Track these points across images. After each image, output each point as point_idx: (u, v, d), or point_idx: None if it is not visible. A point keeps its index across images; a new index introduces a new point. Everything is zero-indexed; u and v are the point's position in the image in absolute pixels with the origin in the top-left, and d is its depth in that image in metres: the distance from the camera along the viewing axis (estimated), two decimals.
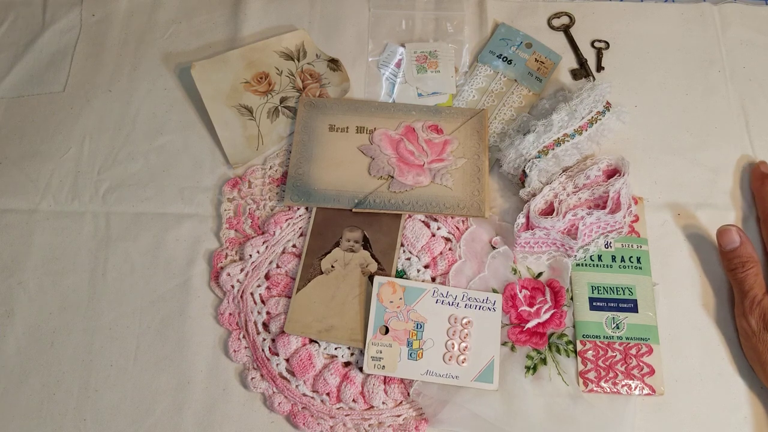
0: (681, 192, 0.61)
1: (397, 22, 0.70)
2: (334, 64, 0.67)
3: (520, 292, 0.56)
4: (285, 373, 0.54)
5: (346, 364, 0.55)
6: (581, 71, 0.67)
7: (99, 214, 0.61)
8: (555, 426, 0.52)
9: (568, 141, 0.58)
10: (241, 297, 0.57)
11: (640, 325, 0.54)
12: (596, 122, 0.59)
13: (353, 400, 0.53)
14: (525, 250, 0.56)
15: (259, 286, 0.57)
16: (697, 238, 0.59)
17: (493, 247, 0.58)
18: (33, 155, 0.64)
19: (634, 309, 0.54)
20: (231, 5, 0.71)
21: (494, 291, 0.56)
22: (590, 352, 0.53)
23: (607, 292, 0.55)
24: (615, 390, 0.52)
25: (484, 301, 0.55)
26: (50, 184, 0.62)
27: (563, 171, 0.59)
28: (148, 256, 0.59)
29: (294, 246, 0.59)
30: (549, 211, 0.57)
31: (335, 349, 0.55)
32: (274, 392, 0.54)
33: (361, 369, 0.54)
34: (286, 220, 0.59)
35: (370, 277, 0.56)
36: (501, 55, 0.67)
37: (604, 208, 0.56)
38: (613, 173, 0.58)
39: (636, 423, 0.52)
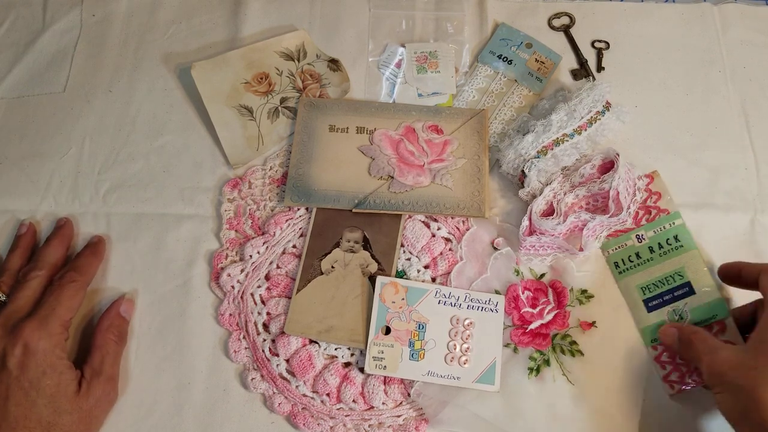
0: (681, 192, 0.61)
1: (398, 22, 0.70)
2: (334, 64, 0.67)
3: (523, 293, 0.56)
4: (285, 374, 0.54)
5: (346, 364, 0.55)
6: (581, 71, 0.67)
7: (99, 214, 0.61)
8: (557, 427, 0.52)
9: (567, 141, 0.58)
10: (242, 297, 0.57)
11: (702, 306, 0.51)
12: (596, 122, 0.59)
13: (353, 401, 0.53)
14: (530, 253, 0.56)
15: (259, 286, 0.57)
16: (698, 238, 0.59)
17: (495, 248, 0.58)
18: (33, 155, 0.64)
19: (691, 291, 0.52)
20: (231, 5, 0.71)
21: (497, 292, 0.56)
22: (665, 354, 0.51)
23: (657, 287, 0.53)
24: (700, 381, 0.50)
25: (487, 302, 0.55)
26: (50, 184, 0.62)
27: (562, 171, 0.59)
28: (149, 256, 0.59)
29: (294, 246, 0.59)
30: (550, 211, 0.57)
31: (335, 349, 0.55)
32: (274, 393, 0.54)
33: (361, 369, 0.54)
34: (286, 220, 0.59)
35: (371, 278, 0.56)
36: (501, 55, 0.67)
37: (601, 203, 0.56)
38: (606, 168, 0.58)
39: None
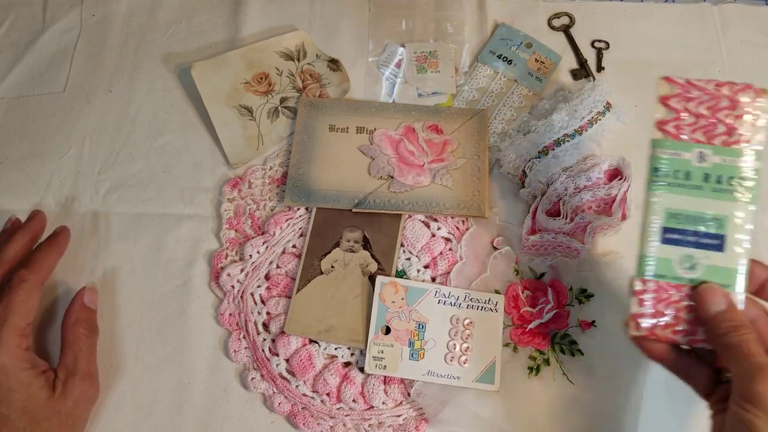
0: None
1: (397, 22, 0.70)
2: (334, 64, 0.67)
3: (522, 292, 0.56)
4: (285, 374, 0.54)
5: (346, 364, 0.55)
6: (581, 71, 0.67)
7: (99, 214, 0.61)
8: (557, 427, 0.52)
9: (568, 141, 0.58)
10: (241, 297, 0.57)
11: (722, 268, 0.42)
12: (596, 122, 0.59)
13: (353, 401, 0.53)
14: (532, 252, 0.56)
15: (259, 286, 0.57)
16: None
17: (495, 248, 0.58)
18: (33, 155, 0.64)
19: (719, 247, 0.42)
20: (231, 5, 0.71)
21: (496, 292, 0.56)
22: (650, 294, 0.42)
23: (688, 221, 0.42)
24: (673, 339, 0.42)
25: (486, 301, 0.55)
26: (50, 184, 0.62)
27: (563, 171, 0.59)
28: (149, 256, 0.59)
29: (294, 246, 0.59)
30: (553, 211, 0.57)
31: (335, 349, 0.55)
32: (274, 392, 0.54)
33: (361, 369, 0.54)
34: (286, 220, 0.59)
35: (370, 278, 0.56)
36: (501, 55, 0.67)
37: (604, 208, 0.56)
38: (614, 174, 0.58)
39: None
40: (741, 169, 0.42)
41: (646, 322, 0.42)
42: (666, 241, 0.43)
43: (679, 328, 0.42)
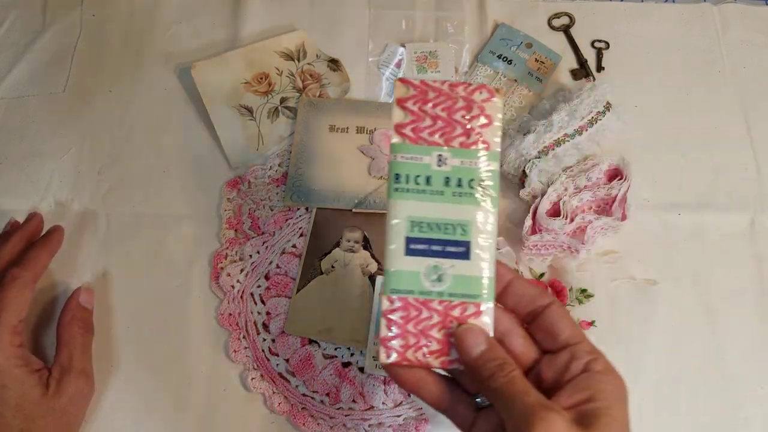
0: (681, 192, 0.61)
1: (397, 22, 0.70)
2: (334, 64, 0.67)
3: None
4: (285, 374, 0.54)
5: (346, 364, 0.55)
6: (581, 71, 0.67)
7: (99, 214, 0.61)
8: None
9: (568, 141, 0.59)
10: (241, 297, 0.57)
11: (469, 277, 0.38)
12: (596, 122, 0.59)
13: (353, 401, 0.53)
14: (532, 252, 0.56)
15: (259, 286, 0.57)
16: (698, 238, 0.59)
17: (495, 248, 0.58)
18: (33, 155, 0.64)
19: (465, 255, 0.38)
20: (231, 5, 0.71)
21: None
22: (399, 313, 0.37)
23: (432, 230, 0.39)
24: (423, 362, 0.37)
25: None
26: (50, 184, 0.62)
27: (564, 171, 0.59)
28: (149, 256, 0.59)
29: (294, 246, 0.59)
30: (553, 212, 0.57)
31: (335, 349, 0.55)
32: (274, 392, 0.54)
33: (361, 369, 0.54)
34: (286, 220, 0.59)
35: (370, 278, 0.56)
36: (501, 55, 0.67)
37: (603, 208, 0.56)
38: (614, 174, 0.58)
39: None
40: (479, 171, 0.39)
41: (396, 346, 0.37)
42: (411, 252, 0.38)
43: (432, 349, 0.37)
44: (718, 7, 0.70)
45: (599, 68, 0.67)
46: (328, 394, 0.53)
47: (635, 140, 0.63)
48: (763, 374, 0.54)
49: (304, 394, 0.53)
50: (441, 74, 0.66)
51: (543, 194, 0.57)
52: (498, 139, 0.39)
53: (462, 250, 0.38)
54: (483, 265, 0.38)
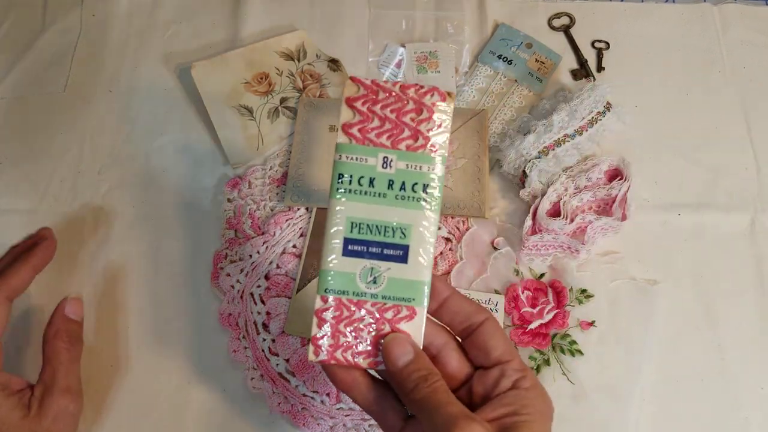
0: (681, 192, 0.61)
1: (397, 22, 0.70)
2: (334, 64, 0.67)
3: (523, 293, 0.56)
4: (285, 374, 0.54)
5: None
6: (581, 71, 0.67)
7: (99, 214, 0.61)
8: (557, 427, 0.52)
9: (568, 141, 0.59)
10: (241, 297, 0.57)
11: (405, 281, 0.39)
12: (596, 123, 0.59)
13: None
14: (532, 253, 0.56)
15: (258, 286, 0.57)
16: (698, 238, 0.59)
17: (495, 248, 0.58)
18: (33, 155, 0.64)
19: (403, 258, 0.39)
20: (231, 5, 0.71)
21: (496, 292, 0.56)
22: (331, 312, 0.38)
23: (372, 232, 0.39)
24: (351, 362, 0.38)
25: (487, 302, 0.55)
26: (50, 184, 0.62)
27: (564, 171, 0.59)
28: (149, 256, 0.59)
29: (294, 246, 0.59)
30: (554, 212, 0.57)
31: None
32: (274, 392, 0.54)
33: None
34: (286, 220, 0.59)
35: None
36: (501, 55, 0.67)
37: (604, 209, 0.56)
38: (614, 174, 0.59)
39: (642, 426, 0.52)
40: (425, 175, 0.39)
41: (325, 345, 0.38)
42: (348, 253, 0.39)
43: (360, 349, 0.38)
44: (718, 7, 0.70)
45: (599, 68, 0.67)
46: (328, 394, 0.53)
47: (635, 140, 0.63)
48: (763, 374, 0.54)
49: (304, 394, 0.53)
50: (441, 74, 0.66)
51: (543, 194, 0.57)
52: (446, 143, 0.39)
53: (400, 254, 0.39)
54: (420, 270, 0.38)
